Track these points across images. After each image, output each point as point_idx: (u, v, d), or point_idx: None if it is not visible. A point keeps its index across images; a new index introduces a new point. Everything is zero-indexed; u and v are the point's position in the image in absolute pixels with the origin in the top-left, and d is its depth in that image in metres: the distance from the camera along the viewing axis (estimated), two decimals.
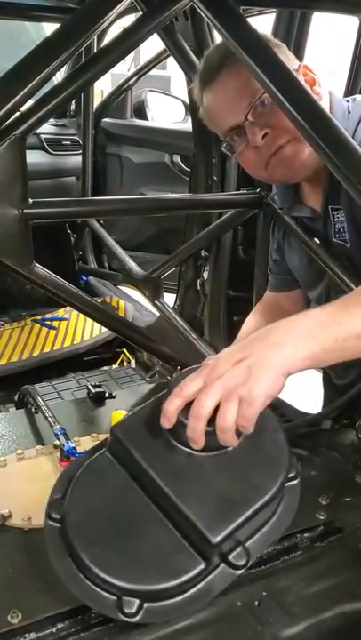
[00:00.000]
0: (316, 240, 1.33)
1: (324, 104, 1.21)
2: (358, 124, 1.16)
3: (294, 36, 1.62)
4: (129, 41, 1.15)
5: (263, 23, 1.56)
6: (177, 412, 0.78)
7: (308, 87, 1.08)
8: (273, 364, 0.77)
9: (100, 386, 1.40)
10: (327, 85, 1.25)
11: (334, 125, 0.94)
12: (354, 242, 1.26)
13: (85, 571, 0.75)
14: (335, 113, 1.20)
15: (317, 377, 1.69)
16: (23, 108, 1.10)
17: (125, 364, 2.39)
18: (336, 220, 1.26)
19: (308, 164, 1.20)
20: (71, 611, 0.79)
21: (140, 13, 1.19)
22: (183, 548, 0.77)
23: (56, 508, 0.81)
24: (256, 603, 0.82)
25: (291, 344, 0.78)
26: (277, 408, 1.63)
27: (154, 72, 2.87)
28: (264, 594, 0.84)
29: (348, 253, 1.27)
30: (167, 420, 0.79)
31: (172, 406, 0.78)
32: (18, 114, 1.08)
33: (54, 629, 0.77)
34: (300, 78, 1.17)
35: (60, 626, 0.78)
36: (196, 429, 0.77)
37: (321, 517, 0.97)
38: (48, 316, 2.68)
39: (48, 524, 0.80)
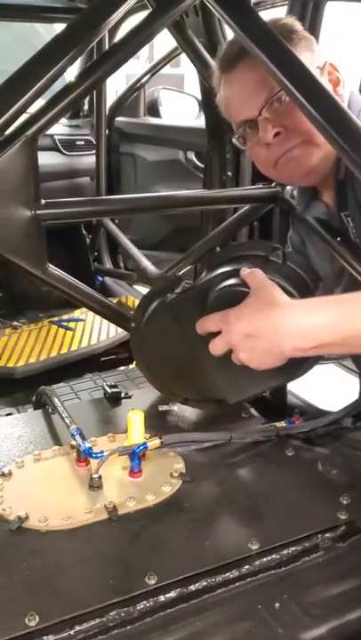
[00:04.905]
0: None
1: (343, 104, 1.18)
2: None
3: (307, 28, 1.59)
4: (139, 38, 1.14)
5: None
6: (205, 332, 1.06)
7: (326, 83, 1.06)
8: (276, 354, 0.97)
9: (115, 386, 1.39)
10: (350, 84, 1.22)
11: (352, 121, 0.91)
12: None
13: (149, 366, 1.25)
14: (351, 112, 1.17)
15: (337, 374, 1.67)
16: (35, 109, 1.10)
17: None
18: (351, 225, 1.24)
19: (318, 169, 1.18)
20: (88, 613, 0.78)
21: (150, 10, 1.18)
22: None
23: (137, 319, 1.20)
24: (276, 605, 0.81)
25: (300, 338, 0.94)
26: (298, 407, 1.61)
27: (167, 71, 2.87)
28: (285, 596, 0.82)
29: None
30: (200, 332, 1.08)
31: (200, 329, 1.06)
32: (29, 115, 1.08)
33: (72, 632, 0.76)
34: (325, 77, 1.15)
35: (77, 628, 0.77)
36: (215, 352, 1.03)
37: (342, 517, 0.95)
38: (64, 317, 2.69)
39: (131, 327, 1.22)
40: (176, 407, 1.29)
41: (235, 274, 1.09)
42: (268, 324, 0.95)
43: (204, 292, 1.12)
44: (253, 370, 1.03)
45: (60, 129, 2.91)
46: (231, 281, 1.10)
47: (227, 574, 0.86)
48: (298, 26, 1.18)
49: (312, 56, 1.14)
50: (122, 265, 3.18)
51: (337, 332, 0.92)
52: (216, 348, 1.02)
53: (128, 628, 0.78)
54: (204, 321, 1.05)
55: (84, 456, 1.07)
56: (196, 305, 1.11)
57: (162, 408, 1.31)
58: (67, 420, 1.16)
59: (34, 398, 1.39)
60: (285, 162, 1.17)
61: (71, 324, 2.61)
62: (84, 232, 3.03)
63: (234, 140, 1.24)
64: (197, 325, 1.06)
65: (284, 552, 0.90)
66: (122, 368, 2.26)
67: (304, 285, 1.14)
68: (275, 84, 1.06)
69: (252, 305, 0.99)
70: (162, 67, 2.69)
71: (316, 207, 1.31)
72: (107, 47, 2.11)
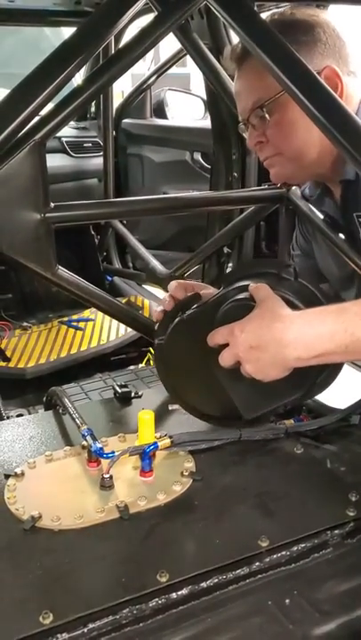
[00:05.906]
0: (341, 236, 1.30)
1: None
2: None
3: None
4: (145, 41, 1.15)
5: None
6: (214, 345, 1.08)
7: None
8: (280, 365, 1.00)
9: (125, 385, 1.40)
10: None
11: (356, 122, 0.92)
12: None
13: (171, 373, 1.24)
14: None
15: (346, 372, 1.67)
16: (43, 113, 1.11)
17: (152, 363, 2.39)
18: None
19: (294, 179, 1.29)
20: (102, 611, 0.79)
21: (156, 13, 1.19)
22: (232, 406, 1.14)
23: (160, 334, 1.22)
24: (286, 601, 0.82)
25: (302, 348, 0.97)
26: (306, 405, 1.61)
27: (173, 70, 2.86)
28: (294, 592, 0.83)
29: None
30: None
31: (210, 342, 1.09)
32: (37, 119, 1.09)
33: (85, 630, 0.78)
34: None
35: (91, 626, 0.78)
36: (224, 364, 1.06)
37: (351, 514, 0.96)
38: (74, 317, 2.70)
39: (157, 342, 1.23)
40: None
41: (244, 289, 1.12)
42: (271, 335, 0.98)
43: (218, 306, 1.15)
44: (268, 385, 1.04)
45: (68, 131, 2.92)
46: (240, 295, 1.13)
47: (237, 571, 0.87)
48: (307, 23, 1.18)
49: (312, 59, 1.14)
50: (130, 265, 3.19)
51: (338, 340, 0.95)
52: (224, 360, 1.05)
53: (140, 625, 0.79)
54: (213, 334, 1.08)
55: (95, 456, 1.09)
56: (211, 320, 1.14)
57: (172, 407, 1.32)
58: (77, 421, 1.17)
59: (44, 399, 1.40)
60: (267, 166, 1.28)
61: (81, 324, 2.62)
62: (93, 232, 3.04)
63: (241, 127, 1.30)
64: (208, 339, 1.09)
65: (294, 549, 0.91)
66: (131, 367, 2.27)
67: (316, 301, 1.14)
68: (262, 94, 1.16)
69: (255, 318, 1.03)
70: (168, 68, 2.70)
71: (327, 203, 1.34)
72: (113, 51, 2.12)
